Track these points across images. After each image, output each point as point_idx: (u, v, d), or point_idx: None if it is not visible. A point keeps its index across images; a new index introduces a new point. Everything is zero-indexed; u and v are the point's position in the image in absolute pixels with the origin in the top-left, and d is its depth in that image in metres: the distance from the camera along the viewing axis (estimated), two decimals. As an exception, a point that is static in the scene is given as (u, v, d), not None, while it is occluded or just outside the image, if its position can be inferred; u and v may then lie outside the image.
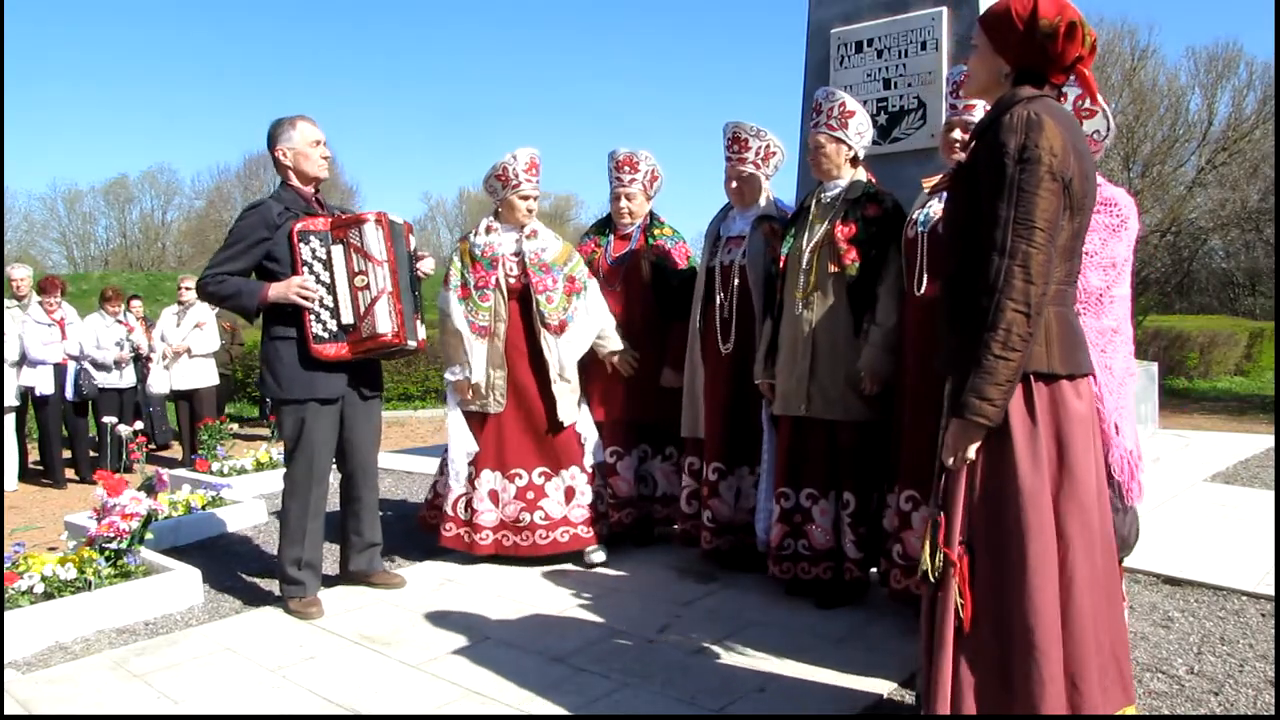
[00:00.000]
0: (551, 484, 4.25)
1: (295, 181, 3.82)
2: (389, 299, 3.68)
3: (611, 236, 4.60)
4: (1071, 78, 2.18)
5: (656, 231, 4.53)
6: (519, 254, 4.26)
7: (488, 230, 4.29)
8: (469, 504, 4.25)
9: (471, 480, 4.26)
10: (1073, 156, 2.00)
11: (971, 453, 2.05)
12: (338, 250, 3.69)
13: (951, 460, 2.09)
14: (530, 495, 4.23)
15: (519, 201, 4.25)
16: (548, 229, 4.41)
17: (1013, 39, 2.10)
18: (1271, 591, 3.61)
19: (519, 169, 4.21)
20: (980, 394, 1.99)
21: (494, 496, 4.24)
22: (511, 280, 4.25)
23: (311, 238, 3.68)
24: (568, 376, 4.23)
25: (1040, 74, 2.10)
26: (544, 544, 4.21)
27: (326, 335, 3.68)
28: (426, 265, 4.02)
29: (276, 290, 3.63)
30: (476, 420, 4.27)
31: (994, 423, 2.01)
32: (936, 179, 3.28)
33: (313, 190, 3.88)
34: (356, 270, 3.67)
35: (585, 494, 4.27)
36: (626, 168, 4.48)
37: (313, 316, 3.66)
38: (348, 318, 3.67)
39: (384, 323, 3.66)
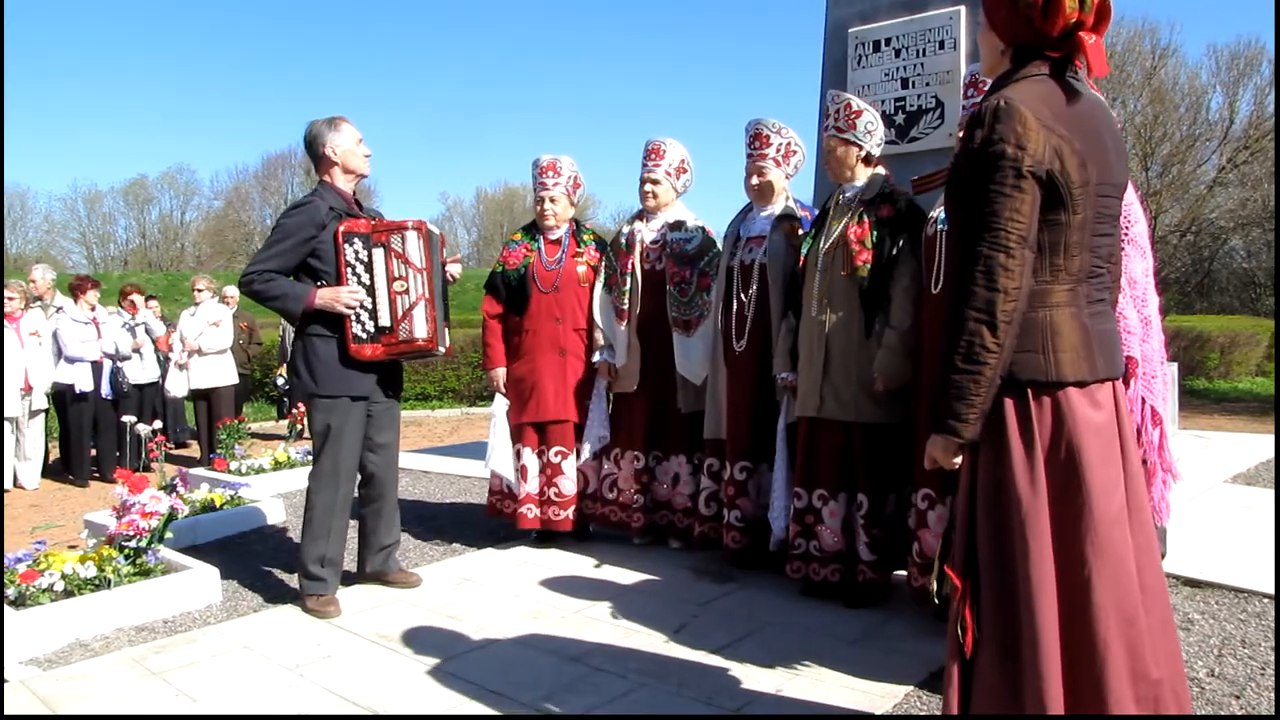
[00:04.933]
0: (661, 468, 4.48)
1: (338, 180, 3.88)
2: (425, 305, 3.76)
3: (542, 240, 4.60)
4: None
5: (585, 237, 4.65)
6: (660, 242, 4.42)
7: (635, 219, 4.54)
8: (614, 484, 4.51)
9: (617, 460, 4.51)
10: (1056, 143, 1.85)
11: (954, 463, 1.98)
12: (378, 253, 3.75)
13: (929, 468, 2.05)
14: (645, 478, 4.46)
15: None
16: (696, 220, 4.49)
17: (1001, 13, 2.01)
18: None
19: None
20: (950, 411, 1.90)
21: (636, 478, 4.46)
22: (646, 266, 4.40)
23: (355, 239, 3.75)
24: (693, 370, 4.29)
25: (1036, 48, 1.98)
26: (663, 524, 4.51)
27: (365, 336, 3.74)
28: (454, 269, 4.10)
29: (323, 299, 3.68)
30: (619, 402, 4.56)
31: (968, 439, 1.92)
32: (922, 176, 3.26)
33: (352, 189, 3.94)
34: (396, 275, 3.74)
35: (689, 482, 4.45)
36: (550, 172, 4.55)
37: (353, 318, 3.72)
38: (385, 320, 3.75)
39: (421, 328, 3.75)
